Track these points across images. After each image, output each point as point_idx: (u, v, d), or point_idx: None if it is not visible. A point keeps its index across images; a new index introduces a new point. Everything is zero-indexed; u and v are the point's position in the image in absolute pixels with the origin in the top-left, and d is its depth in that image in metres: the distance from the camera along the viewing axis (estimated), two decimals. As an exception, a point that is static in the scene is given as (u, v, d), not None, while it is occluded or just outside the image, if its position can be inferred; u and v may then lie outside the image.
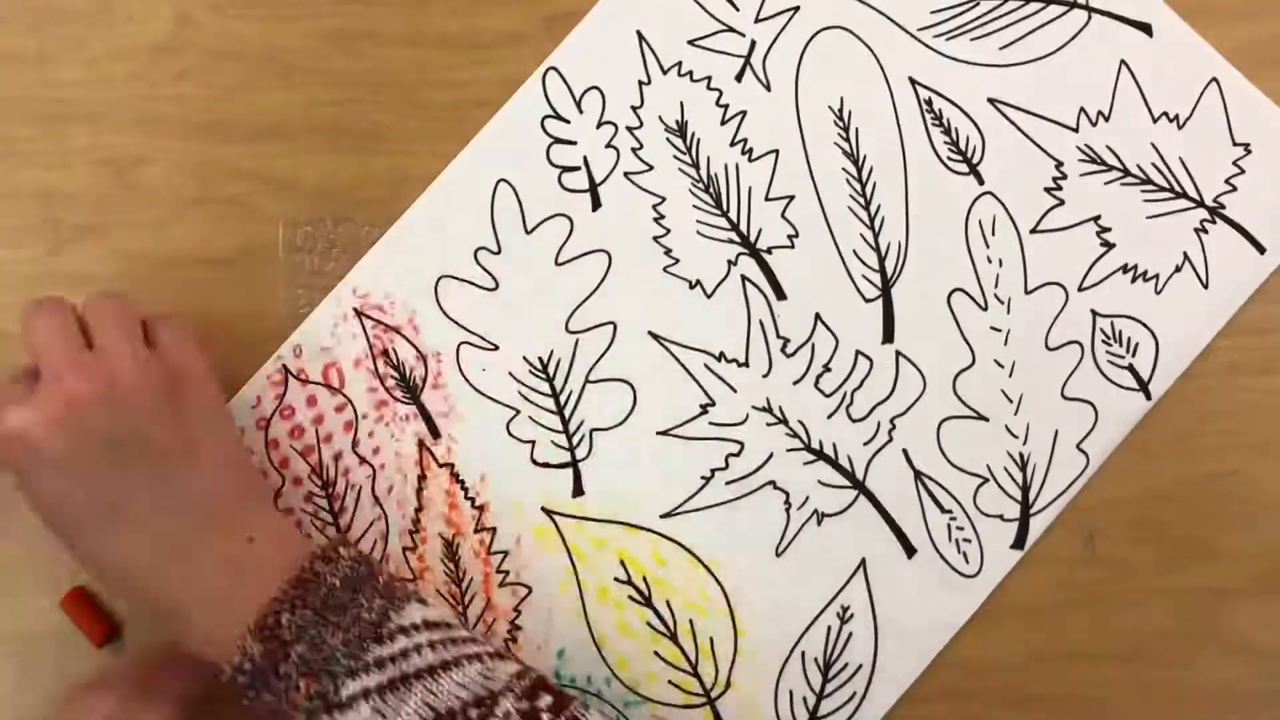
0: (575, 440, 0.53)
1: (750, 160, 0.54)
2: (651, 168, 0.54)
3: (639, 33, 0.54)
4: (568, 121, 0.54)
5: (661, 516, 0.53)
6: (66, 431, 0.43)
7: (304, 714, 0.42)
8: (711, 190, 0.54)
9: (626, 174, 0.54)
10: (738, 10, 0.54)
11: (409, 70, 0.54)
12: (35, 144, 0.53)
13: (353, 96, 0.54)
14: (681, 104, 0.54)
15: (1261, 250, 0.54)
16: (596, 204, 0.54)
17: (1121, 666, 0.54)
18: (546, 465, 0.53)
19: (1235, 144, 0.54)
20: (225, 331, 0.53)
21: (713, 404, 0.54)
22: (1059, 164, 0.54)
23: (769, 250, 0.54)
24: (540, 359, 0.54)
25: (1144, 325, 0.54)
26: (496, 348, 0.54)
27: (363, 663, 0.42)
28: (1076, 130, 0.54)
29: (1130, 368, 0.54)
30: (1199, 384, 0.55)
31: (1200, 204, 0.54)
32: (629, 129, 0.54)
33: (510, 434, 0.54)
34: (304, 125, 0.54)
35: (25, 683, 0.51)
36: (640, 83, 0.54)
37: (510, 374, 0.54)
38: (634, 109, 0.54)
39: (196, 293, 0.53)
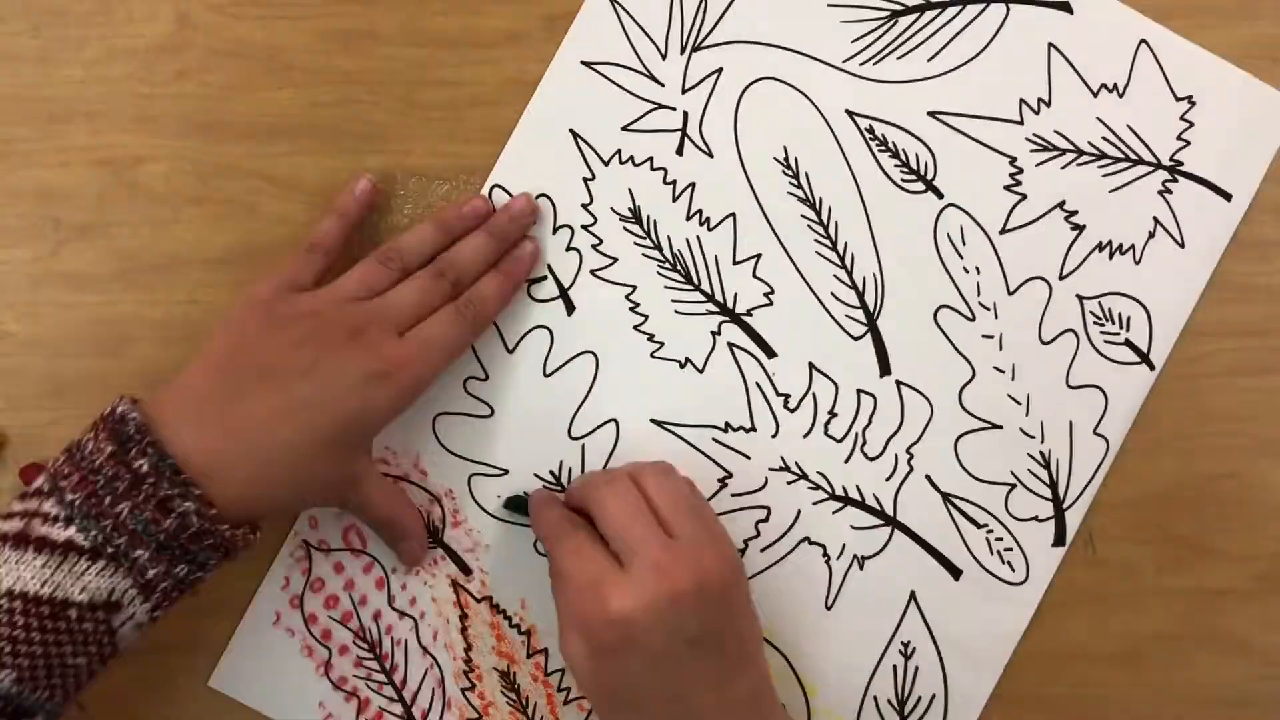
0: (604, 542, 0.54)
1: (710, 229, 0.54)
2: (616, 260, 0.54)
3: (572, 131, 0.54)
4: (523, 233, 0.54)
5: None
6: (665, 624, 0.43)
7: None
8: (679, 267, 0.54)
9: (593, 272, 0.54)
10: (663, 86, 0.54)
11: (409, 70, 0.54)
12: (35, 144, 0.54)
13: (353, 96, 0.54)
14: (630, 190, 0.54)
15: (1228, 197, 0.54)
16: (570, 308, 0.54)
17: (1121, 666, 0.54)
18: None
19: (1178, 99, 0.54)
20: None
21: (730, 476, 0.54)
22: (1012, 159, 0.54)
23: (749, 312, 0.54)
24: (551, 473, 0.53)
25: (1131, 298, 0.54)
26: (506, 472, 0.53)
27: None
28: (1022, 123, 0.54)
29: (1127, 342, 0.54)
30: (1199, 384, 0.55)
31: (1158, 166, 0.54)
32: (584, 227, 0.54)
33: (539, 552, 0.53)
34: (304, 125, 0.54)
35: None
36: (585, 180, 0.54)
37: (525, 494, 0.53)
38: (585, 207, 0.54)
39: (196, 293, 0.53)
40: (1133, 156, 0.54)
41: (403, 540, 0.51)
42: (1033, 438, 0.54)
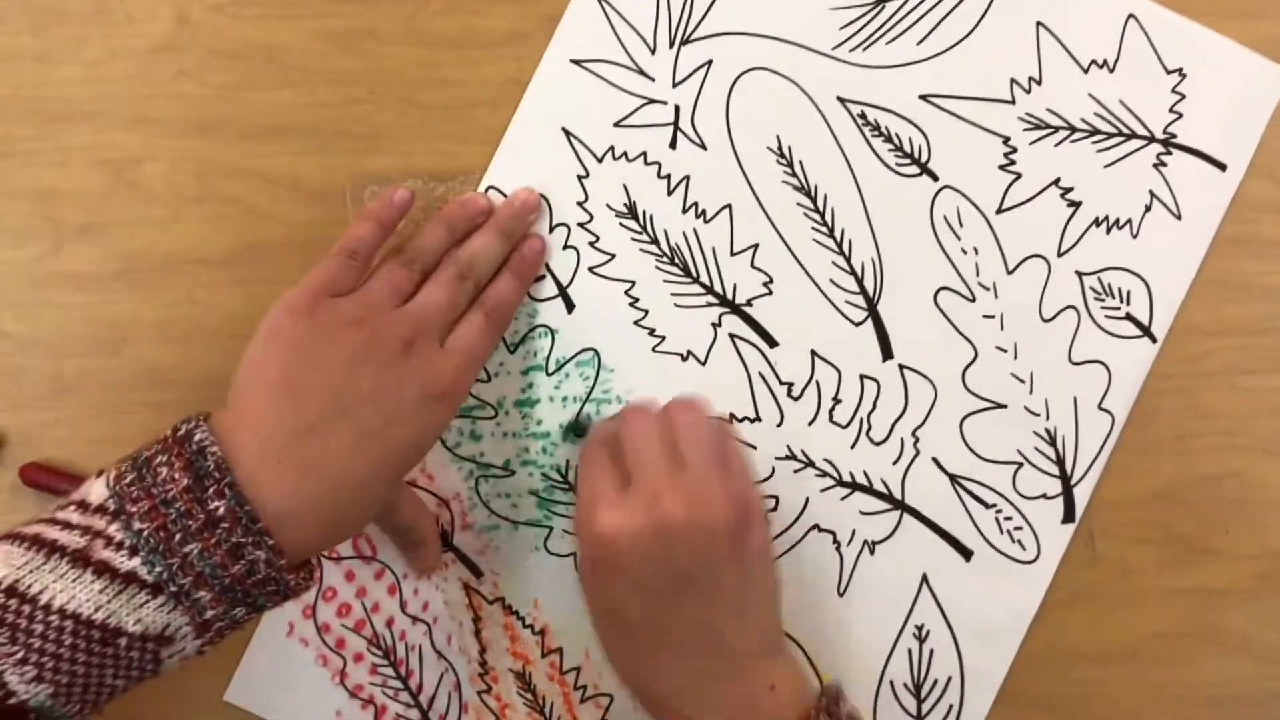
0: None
1: (706, 221, 0.54)
2: (613, 256, 0.54)
3: (564, 130, 0.54)
4: (520, 233, 0.54)
5: None
6: (651, 551, 0.44)
7: None
8: (677, 260, 0.54)
9: (591, 269, 0.54)
10: (653, 81, 0.54)
11: (409, 70, 0.54)
12: (35, 143, 0.53)
13: (353, 96, 0.54)
14: (625, 186, 0.54)
15: (1223, 168, 0.54)
16: (570, 306, 0.54)
17: (1121, 666, 0.54)
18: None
19: (1169, 71, 0.54)
20: (224, 331, 0.53)
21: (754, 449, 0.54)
22: (1006, 139, 0.54)
23: (749, 302, 0.54)
24: (559, 470, 0.53)
25: (1130, 272, 0.54)
26: (513, 473, 0.53)
27: None
28: (1013, 102, 0.54)
29: (1128, 316, 0.54)
30: (1198, 383, 0.55)
31: (1152, 139, 0.54)
32: (580, 225, 0.54)
33: (549, 551, 0.53)
34: (304, 125, 0.54)
35: None
36: (579, 177, 0.54)
37: (533, 493, 0.54)
38: (580, 204, 0.54)
39: (196, 293, 0.53)
40: (1126, 131, 0.54)
41: (420, 546, 0.51)
42: (1037, 415, 0.54)
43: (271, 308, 0.46)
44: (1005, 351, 0.54)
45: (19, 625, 0.38)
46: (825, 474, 0.54)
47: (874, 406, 0.54)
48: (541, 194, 0.53)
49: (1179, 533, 0.54)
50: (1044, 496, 0.54)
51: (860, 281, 0.54)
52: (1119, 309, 0.54)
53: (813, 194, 0.54)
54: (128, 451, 0.50)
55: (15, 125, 0.53)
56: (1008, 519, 0.54)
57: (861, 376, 0.54)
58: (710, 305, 0.54)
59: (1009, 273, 0.54)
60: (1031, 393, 0.54)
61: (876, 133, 0.54)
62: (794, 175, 0.54)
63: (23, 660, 0.38)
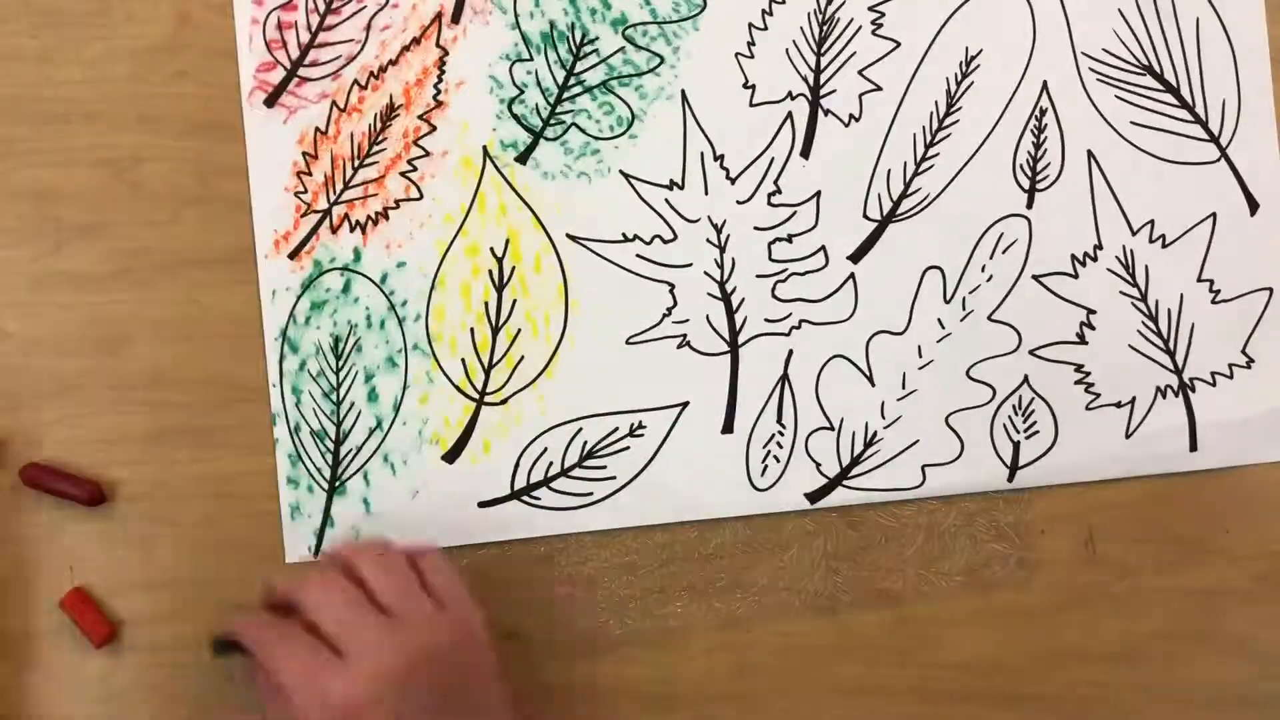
0: (555, 118, 0.53)
1: (875, 33, 0.54)
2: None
3: None
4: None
5: (569, 235, 0.53)
6: (386, 705, 0.42)
7: None
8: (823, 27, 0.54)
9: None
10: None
11: None
12: (35, 143, 0.53)
13: None
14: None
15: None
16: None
17: (1121, 666, 0.55)
18: (516, 119, 0.53)
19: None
20: (224, 331, 0.53)
21: (681, 186, 0.53)
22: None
23: (827, 113, 0.54)
24: (585, 33, 0.53)
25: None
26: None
27: None
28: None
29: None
30: None
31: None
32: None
33: (510, 71, 0.53)
34: None
35: (25, 682, 0.52)
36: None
37: (552, 23, 0.53)
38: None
39: (196, 293, 0.53)
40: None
41: None
42: (880, 418, 0.54)
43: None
44: (918, 356, 0.54)
45: None
46: (721, 265, 0.54)
47: (804, 272, 0.54)
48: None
49: (1179, 533, 0.55)
50: (815, 466, 0.54)
51: (904, 195, 0.54)
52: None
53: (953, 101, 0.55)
54: (127, 451, 0.52)
55: (15, 125, 0.53)
56: (779, 446, 0.54)
57: (823, 247, 0.54)
58: (800, 79, 0.54)
59: (988, 319, 0.54)
60: (899, 401, 0.54)
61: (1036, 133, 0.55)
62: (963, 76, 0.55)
63: None
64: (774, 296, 0.53)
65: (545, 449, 0.53)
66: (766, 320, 0.53)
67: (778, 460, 0.53)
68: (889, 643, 0.54)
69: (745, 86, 0.54)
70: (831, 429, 0.54)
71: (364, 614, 0.44)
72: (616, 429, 0.53)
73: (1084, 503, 0.54)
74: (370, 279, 0.53)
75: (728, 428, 0.53)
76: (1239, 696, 0.55)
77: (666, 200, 0.53)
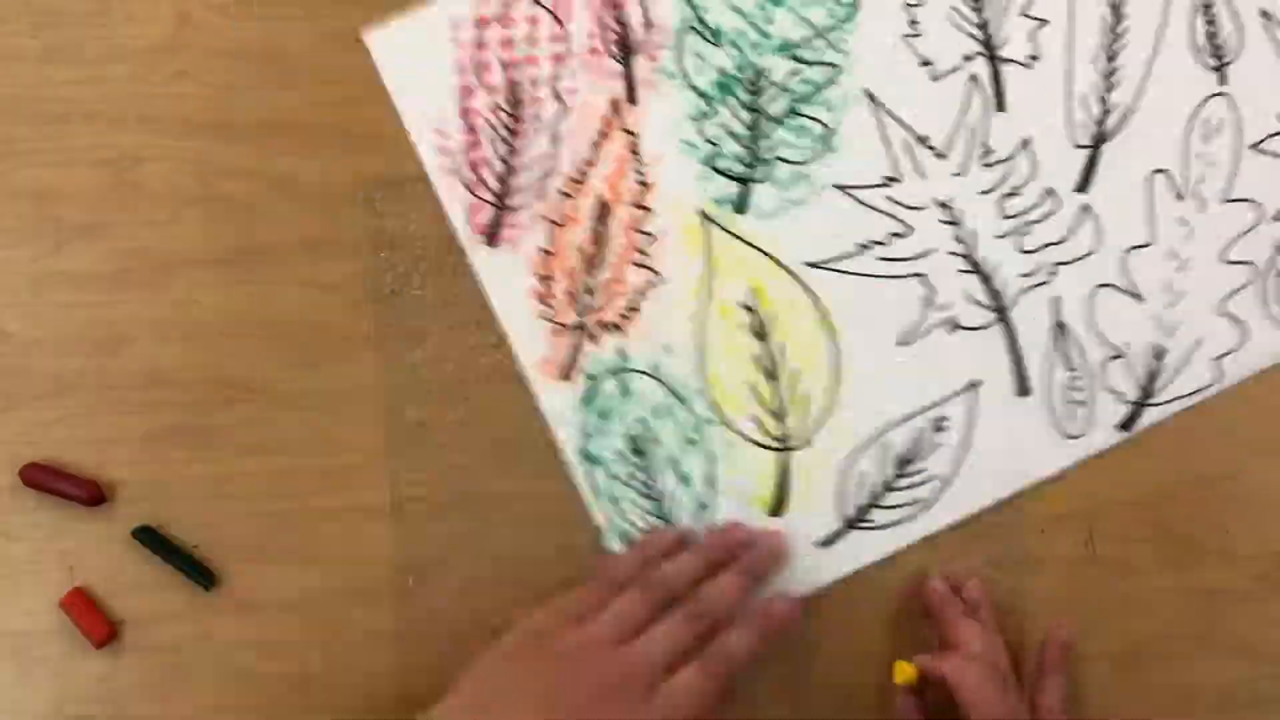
0: (759, 158, 0.54)
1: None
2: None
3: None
4: None
5: (807, 264, 0.53)
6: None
7: None
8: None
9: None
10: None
11: None
12: (36, 143, 0.53)
13: (352, 96, 0.54)
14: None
15: None
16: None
17: (1121, 666, 0.54)
18: (722, 173, 0.54)
19: None
20: (224, 331, 0.53)
21: (898, 180, 0.54)
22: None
23: (1006, 61, 0.54)
24: (756, 69, 0.54)
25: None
26: (719, 44, 0.54)
27: None
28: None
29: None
30: None
31: None
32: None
33: (699, 130, 0.54)
34: (304, 125, 0.54)
35: (25, 682, 0.52)
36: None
37: (722, 71, 0.53)
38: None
39: (196, 293, 0.53)
40: None
41: None
42: (1162, 328, 0.54)
43: (515, 626, 0.47)
44: (1175, 259, 0.54)
45: None
46: (962, 241, 0.54)
47: (1041, 220, 0.54)
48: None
49: (1179, 533, 0.54)
50: (1119, 396, 0.54)
51: (1105, 114, 0.54)
52: (1295, 292, 0.54)
53: (1120, 17, 0.54)
54: (127, 451, 0.52)
55: (16, 125, 0.53)
56: (1078, 390, 0.54)
57: (1049, 190, 0.54)
58: (974, 39, 0.53)
59: (1224, 201, 0.54)
60: (1170, 307, 0.54)
61: (1206, 11, 0.54)
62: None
63: None
64: (1022, 251, 0.53)
65: (861, 472, 0.53)
66: (1022, 276, 0.53)
67: (1081, 404, 0.53)
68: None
69: (923, 64, 0.54)
70: (1121, 356, 0.54)
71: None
72: (921, 430, 0.53)
73: (1084, 503, 0.54)
74: (643, 372, 0.53)
75: (1023, 390, 0.53)
76: (1239, 697, 0.54)
77: (888, 198, 0.53)
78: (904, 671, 0.50)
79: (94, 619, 0.52)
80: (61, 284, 0.53)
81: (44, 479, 0.52)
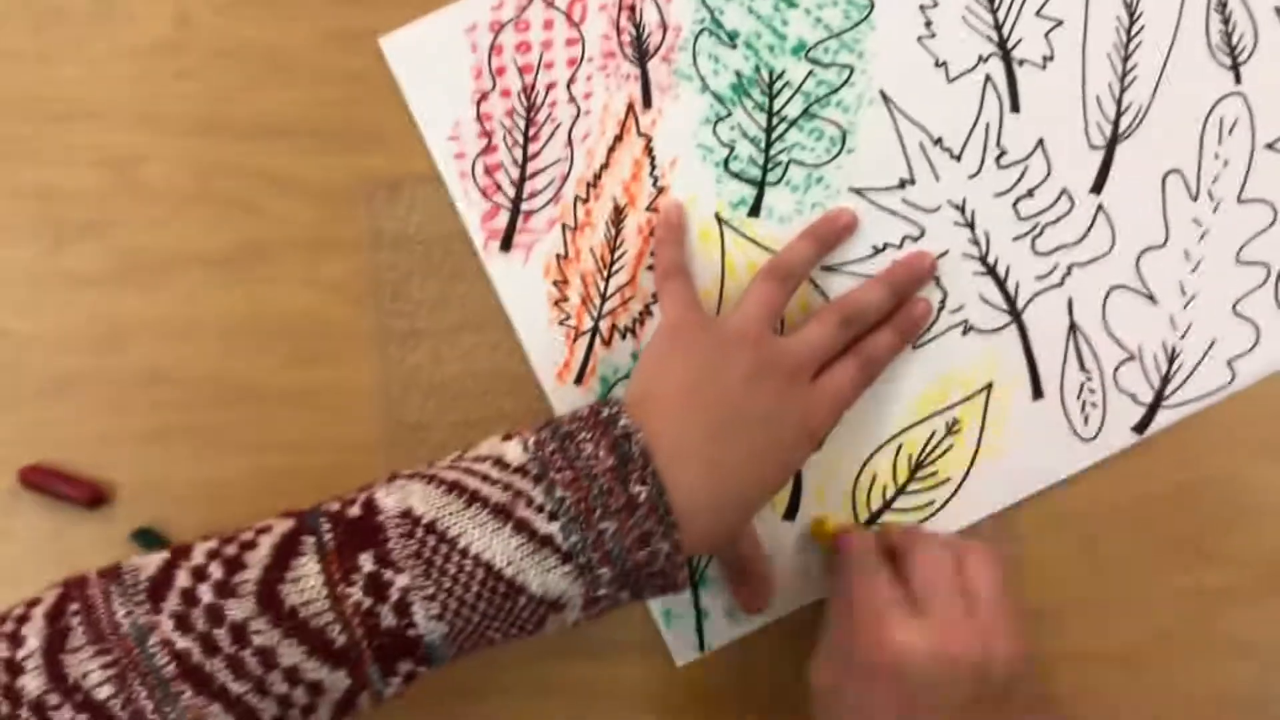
0: (772, 161, 0.54)
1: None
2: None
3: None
4: None
5: (822, 267, 0.53)
6: (936, 680, 0.43)
7: None
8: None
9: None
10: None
11: None
12: (36, 143, 0.53)
13: (352, 96, 0.53)
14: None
15: None
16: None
17: (1121, 666, 0.54)
18: (737, 176, 0.54)
19: None
20: (224, 331, 0.53)
21: (913, 182, 0.54)
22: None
23: (1020, 62, 0.54)
24: (772, 71, 0.54)
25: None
26: (734, 46, 0.54)
27: None
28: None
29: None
30: None
31: None
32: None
33: (715, 133, 0.54)
34: (304, 125, 0.54)
35: None
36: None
37: (738, 73, 0.53)
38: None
39: (196, 292, 0.53)
40: None
41: (749, 583, 0.51)
42: (1175, 330, 0.54)
43: (672, 313, 0.49)
44: (1189, 259, 0.54)
45: (434, 562, 0.39)
46: (976, 243, 0.54)
47: (1056, 221, 0.54)
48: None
49: (1179, 533, 0.54)
50: (1132, 398, 0.54)
51: (1119, 114, 0.54)
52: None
53: (1134, 16, 0.54)
54: (127, 451, 0.52)
55: (16, 125, 0.53)
56: (1091, 392, 0.54)
57: (1064, 190, 0.54)
58: (989, 40, 0.53)
59: (1239, 201, 0.54)
60: (1184, 309, 0.54)
61: (1220, 9, 0.54)
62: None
63: (431, 597, 0.39)
64: (1036, 253, 0.54)
65: (874, 475, 0.53)
66: (1037, 278, 0.53)
67: (1095, 406, 0.54)
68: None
69: (938, 65, 0.54)
70: (1134, 358, 0.54)
71: (957, 598, 0.44)
72: (934, 432, 0.53)
73: (1084, 503, 0.53)
74: (658, 377, 0.53)
75: (1037, 393, 0.53)
76: (1239, 697, 0.54)
77: (903, 200, 0.53)
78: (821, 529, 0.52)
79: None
80: (61, 283, 0.53)
81: (43, 481, 0.52)
